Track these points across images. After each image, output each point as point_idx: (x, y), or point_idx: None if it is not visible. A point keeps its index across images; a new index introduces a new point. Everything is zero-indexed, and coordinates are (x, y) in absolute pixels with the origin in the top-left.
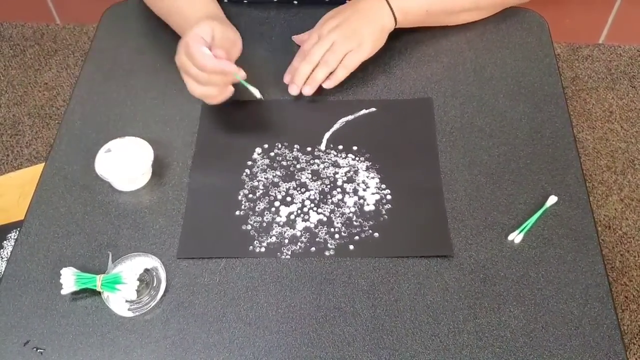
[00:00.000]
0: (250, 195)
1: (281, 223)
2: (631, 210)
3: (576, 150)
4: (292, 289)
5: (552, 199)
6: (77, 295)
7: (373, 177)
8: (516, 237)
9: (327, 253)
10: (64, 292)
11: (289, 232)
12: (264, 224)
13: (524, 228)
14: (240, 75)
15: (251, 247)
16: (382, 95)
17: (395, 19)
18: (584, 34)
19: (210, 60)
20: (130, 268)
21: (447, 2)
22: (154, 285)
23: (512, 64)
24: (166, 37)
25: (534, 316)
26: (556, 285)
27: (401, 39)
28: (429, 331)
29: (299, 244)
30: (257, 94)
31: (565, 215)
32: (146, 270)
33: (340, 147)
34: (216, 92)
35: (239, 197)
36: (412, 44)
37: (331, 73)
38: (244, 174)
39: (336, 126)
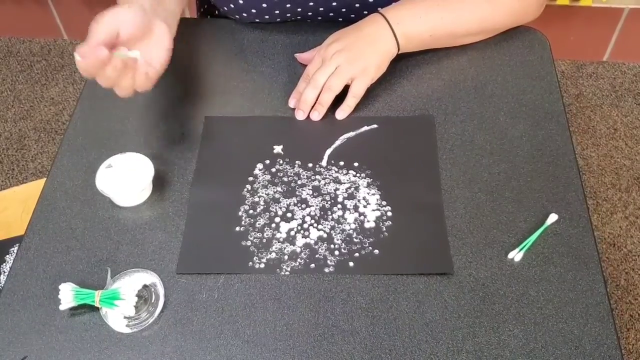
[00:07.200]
0: (251, 211)
1: (281, 239)
2: (636, 228)
3: (577, 168)
4: (290, 306)
5: (553, 217)
6: (75, 310)
7: (374, 194)
8: (516, 255)
9: (326, 270)
10: (62, 307)
11: (289, 248)
12: (264, 240)
13: (524, 246)
14: (122, 52)
15: (251, 263)
16: (383, 112)
17: (398, 44)
18: (589, 51)
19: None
20: (129, 284)
21: (452, 27)
22: (153, 301)
23: (513, 81)
24: None
25: (533, 335)
26: (556, 304)
27: (402, 56)
28: (427, 350)
29: (298, 260)
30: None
31: (565, 233)
32: (145, 287)
33: (342, 163)
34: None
35: (240, 213)
36: (414, 61)
37: (338, 98)
38: (245, 189)
39: (337, 142)
